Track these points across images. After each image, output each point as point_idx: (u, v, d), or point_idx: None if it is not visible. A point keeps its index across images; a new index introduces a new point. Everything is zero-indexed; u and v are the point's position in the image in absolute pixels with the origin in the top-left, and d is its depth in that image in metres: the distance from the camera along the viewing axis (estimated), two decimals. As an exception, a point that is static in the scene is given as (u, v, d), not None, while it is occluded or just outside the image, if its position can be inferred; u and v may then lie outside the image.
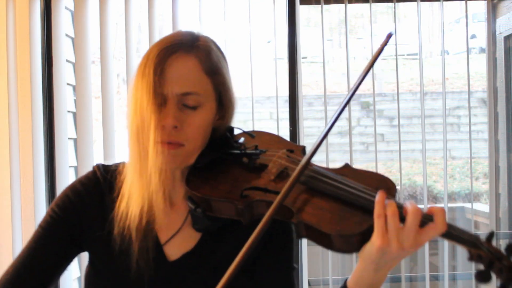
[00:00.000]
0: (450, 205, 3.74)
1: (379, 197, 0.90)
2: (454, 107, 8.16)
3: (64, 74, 2.52)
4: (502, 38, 2.89)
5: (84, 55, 2.51)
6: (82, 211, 1.12)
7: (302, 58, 2.60)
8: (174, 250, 1.11)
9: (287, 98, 2.56)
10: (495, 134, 2.81)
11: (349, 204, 0.96)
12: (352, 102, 2.66)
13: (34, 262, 1.11)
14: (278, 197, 0.94)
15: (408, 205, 0.90)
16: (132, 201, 1.07)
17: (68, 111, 2.57)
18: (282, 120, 2.66)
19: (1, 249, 2.41)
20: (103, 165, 1.18)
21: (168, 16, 2.57)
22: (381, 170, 6.77)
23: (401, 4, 2.69)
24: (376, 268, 0.93)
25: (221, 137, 1.12)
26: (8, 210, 2.41)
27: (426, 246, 2.66)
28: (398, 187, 2.35)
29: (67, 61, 2.58)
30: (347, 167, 1.07)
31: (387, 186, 0.99)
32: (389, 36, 1.04)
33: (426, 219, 0.89)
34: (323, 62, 2.70)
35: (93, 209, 1.12)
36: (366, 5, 2.63)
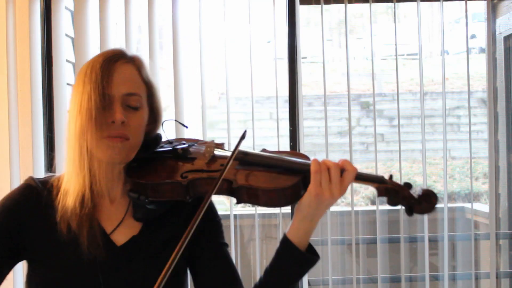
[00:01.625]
0: (450, 205, 3.74)
1: (314, 159, 1.16)
2: (454, 107, 8.15)
3: (64, 74, 2.52)
4: (502, 38, 2.89)
5: (84, 55, 2.51)
6: (22, 218, 1.20)
7: (302, 58, 2.60)
8: (121, 237, 1.23)
9: (287, 98, 2.56)
10: (495, 134, 2.81)
11: (277, 169, 1.20)
12: (352, 102, 2.66)
13: None
14: (223, 170, 1.14)
15: (326, 161, 1.16)
16: (69, 195, 1.18)
17: (68, 111, 2.57)
18: (282, 120, 2.66)
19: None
20: (37, 178, 1.28)
21: (168, 16, 2.57)
22: (381, 170, 6.77)
23: (401, 4, 2.70)
24: (311, 219, 1.18)
25: (153, 139, 1.29)
26: (8, 210, 2.41)
27: (426, 246, 2.66)
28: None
29: (67, 61, 2.58)
30: (265, 150, 1.29)
31: (301, 156, 1.26)
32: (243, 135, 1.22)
33: (342, 170, 1.16)
34: (323, 62, 2.70)
35: (33, 216, 1.21)
36: (366, 5, 2.63)
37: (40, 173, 2.48)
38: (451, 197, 6.98)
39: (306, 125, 2.65)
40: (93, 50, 2.57)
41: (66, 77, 2.55)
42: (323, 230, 2.70)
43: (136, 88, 1.21)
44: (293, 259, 1.20)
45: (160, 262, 1.14)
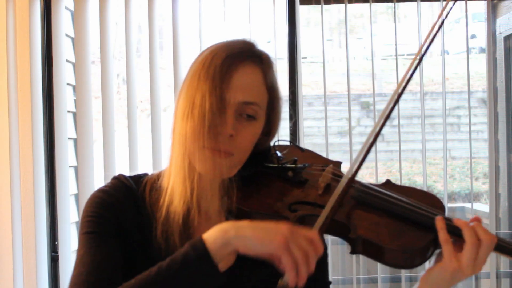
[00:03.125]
0: (450, 205, 3.74)
1: (438, 220, 0.94)
2: (454, 107, 8.15)
3: (64, 74, 2.52)
4: (502, 38, 2.89)
5: (84, 55, 2.51)
6: (120, 216, 1.05)
7: (302, 58, 2.60)
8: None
9: (287, 98, 2.56)
10: (495, 134, 2.80)
11: (403, 220, 0.98)
12: (352, 102, 2.66)
13: (105, 264, 1.00)
14: (328, 209, 0.94)
15: (476, 227, 0.93)
16: (176, 205, 1.03)
17: (68, 111, 2.57)
18: (282, 120, 2.65)
19: (1, 249, 2.41)
20: (128, 175, 1.12)
21: (168, 16, 2.57)
22: (381, 170, 6.78)
23: (401, 4, 2.69)
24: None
25: (262, 151, 1.11)
26: (8, 210, 2.41)
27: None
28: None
29: (67, 61, 2.58)
30: (389, 183, 1.09)
31: (434, 203, 1.03)
32: None
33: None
34: (323, 62, 2.70)
35: (129, 214, 1.05)
36: (366, 5, 2.63)
37: (40, 173, 2.47)
38: (451, 197, 6.98)
39: (306, 125, 2.65)
40: (93, 50, 2.57)
41: (66, 77, 2.55)
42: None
43: (257, 96, 1.03)
44: None
45: None
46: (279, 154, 1.15)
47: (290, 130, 2.55)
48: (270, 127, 1.12)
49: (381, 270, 2.69)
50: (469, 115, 2.75)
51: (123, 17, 2.56)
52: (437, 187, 7.06)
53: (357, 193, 1.02)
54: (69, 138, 2.57)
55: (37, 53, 2.49)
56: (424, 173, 2.68)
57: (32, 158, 2.45)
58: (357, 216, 0.99)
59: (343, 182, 0.98)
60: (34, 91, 2.47)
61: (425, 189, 2.68)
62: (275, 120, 1.13)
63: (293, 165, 1.11)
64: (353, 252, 0.99)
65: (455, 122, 8.06)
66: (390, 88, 8.94)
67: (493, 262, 2.64)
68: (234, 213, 1.04)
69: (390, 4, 2.69)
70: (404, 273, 2.64)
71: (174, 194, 1.03)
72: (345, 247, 3.30)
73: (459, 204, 5.59)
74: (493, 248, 0.94)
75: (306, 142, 2.61)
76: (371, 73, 2.76)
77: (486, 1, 2.65)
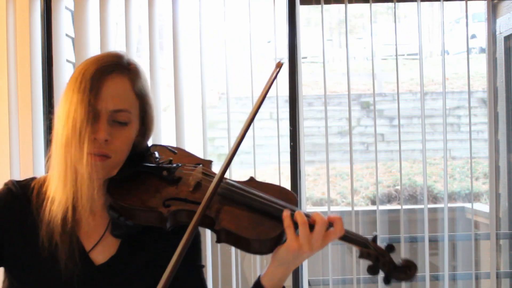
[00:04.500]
0: (450, 205, 3.74)
1: (285, 212, 1.10)
2: (454, 107, 8.15)
3: (64, 74, 2.52)
4: (502, 38, 2.89)
5: (84, 55, 2.51)
6: (3, 225, 1.16)
7: (302, 58, 2.60)
8: (99, 255, 1.19)
9: (287, 98, 2.56)
10: (495, 134, 2.81)
11: (261, 213, 1.14)
12: (352, 102, 2.66)
13: None
14: (201, 207, 1.08)
15: (315, 215, 1.11)
16: (55, 207, 1.13)
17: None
18: (282, 120, 2.66)
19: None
20: (17, 181, 1.22)
21: (168, 16, 2.57)
22: (381, 170, 6.77)
23: (401, 4, 2.69)
24: (287, 267, 1.15)
25: (139, 152, 1.23)
26: (8, 210, 2.41)
27: (426, 246, 2.66)
28: (398, 187, 2.35)
29: (67, 61, 2.58)
30: (252, 180, 1.23)
31: (289, 197, 1.20)
32: (279, 65, 1.19)
33: (329, 226, 1.11)
34: (323, 62, 2.70)
35: (13, 223, 1.17)
36: (366, 5, 2.63)
37: (40, 173, 2.47)
38: (451, 197, 6.97)
39: (306, 125, 2.65)
40: (93, 50, 2.57)
41: (66, 77, 2.55)
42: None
43: (126, 103, 1.15)
44: None
45: (137, 285, 1.19)
46: (156, 154, 1.26)
47: (290, 130, 2.55)
48: (145, 129, 1.23)
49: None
50: (469, 115, 2.75)
51: (123, 17, 2.56)
52: (437, 187, 7.05)
53: (221, 190, 1.15)
54: (69, 138, 2.57)
55: (37, 53, 2.49)
56: (424, 173, 2.68)
57: (32, 158, 2.45)
58: (221, 210, 1.14)
59: (214, 182, 1.10)
60: (34, 91, 2.47)
61: (425, 189, 2.68)
62: (149, 123, 1.24)
63: (168, 165, 1.22)
64: (218, 241, 1.13)
65: (455, 122, 8.05)
66: (390, 88, 8.94)
67: (493, 262, 2.64)
68: (115, 209, 1.16)
69: (390, 4, 2.69)
70: (404, 273, 2.64)
71: (55, 196, 1.14)
72: (345, 247, 3.31)
73: (459, 204, 5.58)
74: (322, 234, 1.11)
75: (306, 142, 2.61)
76: (371, 73, 2.76)
77: (486, 1, 2.65)
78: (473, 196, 2.91)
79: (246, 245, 1.12)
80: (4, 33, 2.42)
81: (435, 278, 2.92)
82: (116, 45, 2.80)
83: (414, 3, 2.63)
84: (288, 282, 2.60)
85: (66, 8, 2.58)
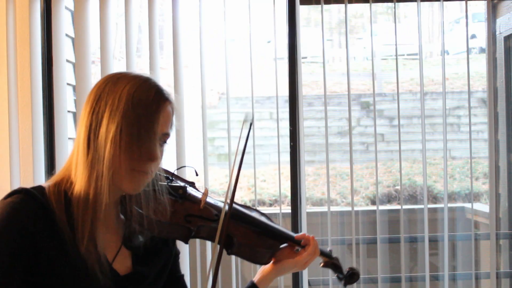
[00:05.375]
0: (450, 205, 3.74)
1: (313, 242, 1.46)
2: (454, 107, 8.15)
3: (64, 74, 2.52)
4: (502, 38, 2.89)
5: (84, 55, 2.51)
6: (36, 237, 1.08)
7: (302, 58, 2.60)
8: (121, 266, 1.23)
9: (287, 98, 2.56)
10: (495, 134, 2.81)
11: (262, 232, 1.41)
12: (352, 102, 2.66)
13: None
14: (224, 228, 1.23)
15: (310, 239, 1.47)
16: (84, 212, 1.13)
17: (68, 111, 2.57)
18: (282, 120, 2.66)
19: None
20: (32, 187, 1.14)
21: (168, 16, 2.57)
22: (381, 170, 6.77)
23: (401, 4, 2.69)
24: (280, 275, 1.44)
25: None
26: (8, 210, 2.41)
27: (426, 246, 2.66)
28: (398, 187, 2.35)
29: (67, 61, 2.58)
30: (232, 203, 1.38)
31: (268, 217, 1.51)
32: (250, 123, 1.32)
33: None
34: (323, 62, 2.70)
35: (42, 230, 1.09)
36: (366, 5, 2.63)
37: (40, 173, 2.47)
38: (451, 197, 6.97)
39: (306, 125, 2.65)
40: (93, 50, 2.57)
41: (66, 77, 2.55)
42: (324, 230, 2.70)
43: (171, 128, 1.23)
44: None
45: None
46: (164, 175, 1.35)
47: (290, 130, 2.55)
48: None
49: (381, 270, 2.69)
50: (469, 115, 2.76)
51: (123, 17, 2.56)
52: (437, 187, 7.05)
53: (232, 210, 1.32)
54: (69, 138, 2.57)
55: (37, 53, 2.49)
56: (424, 173, 2.68)
57: (32, 158, 2.45)
58: (238, 229, 1.36)
59: (227, 205, 1.26)
60: (34, 91, 2.47)
61: (425, 189, 2.68)
62: None
63: (178, 185, 1.33)
64: (230, 253, 1.35)
65: (455, 122, 8.05)
66: (390, 88, 8.93)
67: (493, 262, 2.64)
68: (136, 221, 1.22)
69: (390, 4, 2.69)
70: (404, 273, 2.65)
71: (82, 203, 1.14)
72: (345, 247, 3.30)
73: (459, 204, 5.58)
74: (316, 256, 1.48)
75: (306, 142, 2.61)
76: (371, 73, 2.76)
77: (486, 1, 2.65)
78: (473, 196, 2.91)
79: (255, 255, 1.38)
80: (4, 33, 2.42)
81: (435, 278, 2.92)
82: (116, 45, 2.80)
83: (414, 3, 2.64)
84: (288, 282, 2.60)
85: (66, 8, 2.58)
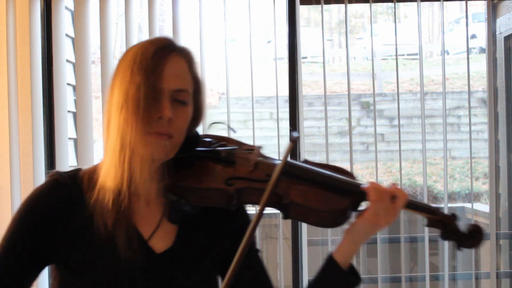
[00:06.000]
0: (450, 205, 3.74)
1: (370, 185, 1.13)
2: (454, 107, 8.16)
3: (64, 74, 2.52)
4: (502, 38, 2.89)
5: (84, 55, 2.51)
6: (54, 219, 1.12)
7: (302, 58, 2.60)
8: (158, 243, 1.15)
9: (287, 98, 2.56)
10: (495, 134, 2.81)
11: (326, 187, 1.16)
12: (352, 102, 2.66)
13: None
14: (271, 183, 1.07)
15: (396, 190, 1.13)
16: (108, 189, 1.10)
17: (68, 111, 2.57)
18: (282, 120, 2.66)
19: (1, 249, 2.41)
20: (62, 171, 1.18)
21: (168, 16, 2.58)
22: (381, 170, 6.78)
23: (401, 4, 2.70)
24: (360, 242, 1.17)
25: (191, 137, 1.21)
26: (8, 210, 2.41)
27: (426, 246, 2.66)
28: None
29: (67, 61, 2.58)
30: (307, 161, 1.24)
31: (345, 172, 1.22)
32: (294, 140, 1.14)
33: (392, 197, 1.13)
34: (323, 62, 2.70)
35: (65, 214, 1.12)
36: (366, 5, 2.63)
37: (40, 173, 2.47)
38: (451, 197, 6.98)
39: (306, 125, 2.65)
40: (93, 50, 2.57)
41: (66, 77, 2.55)
42: (324, 230, 2.70)
43: (186, 83, 1.14)
44: (338, 279, 1.19)
45: (200, 270, 1.17)
46: (209, 139, 1.26)
47: (290, 130, 2.55)
48: (197, 113, 1.22)
49: (381, 270, 2.69)
50: (469, 115, 2.76)
51: (123, 17, 2.56)
52: (437, 187, 7.06)
53: (286, 167, 1.13)
54: (69, 138, 2.57)
55: (37, 53, 2.49)
56: (424, 173, 2.68)
57: (32, 158, 2.45)
58: (288, 187, 1.15)
59: (283, 158, 1.10)
60: (34, 91, 2.47)
61: (425, 189, 2.68)
62: (201, 107, 1.24)
63: (224, 148, 1.22)
64: (285, 217, 1.15)
65: (455, 122, 8.06)
66: (390, 88, 8.94)
67: (493, 262, 2.64)
68: (174, 191, 1.14)
69: (390, 4, 2.70)
70: (404, 273, 2.65)
71: (107, 181, 1.11)
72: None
73: (459, 204, 5.59)
74: (404, 203, 1.14)
75: (306, 142, 2.61)
76: (371, 73, 2.76)
77: (486, 1, 2.65)
78: (473, 196, 2.91)
79: (315, 217, 1.14)
80: (4, 33, 2.41)
81: (435, 278, 2.92)
82: (116, 45, 2.80)
83: (414, 3, 2.64)
84: (288, 282, 2.60)
85: (66, 8, 2.58)
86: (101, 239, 1.10)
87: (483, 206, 4.38)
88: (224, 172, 1.17)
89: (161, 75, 1.08)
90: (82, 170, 1.18)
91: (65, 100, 2.53)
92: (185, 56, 1.15)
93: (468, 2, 2.62)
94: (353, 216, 1.17)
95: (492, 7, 2.77)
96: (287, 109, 2.55)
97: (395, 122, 6.52)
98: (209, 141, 1.25)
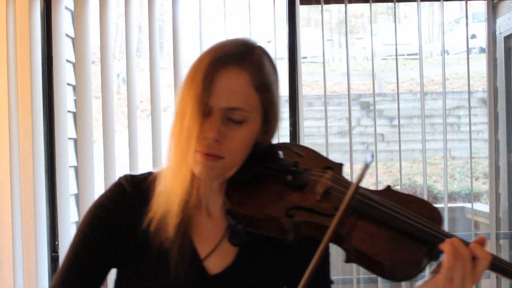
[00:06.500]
0: (450, 205, 3.74)
1: (450, 243, 0.94)
2: (454, 107, 8.16)
3: (64, 74, 2.52)
4: (502, 38, 2.89)
5: (84, 55, 2.51)
6: (114, 228, 1.09)
7: (302, 58, 2.60)
8: (214, 263, 1.08)
9: (287, 98, 2.56)
10: (495, 134, 2.80)
11: (399, 232, 0.98)
12: (352, 102, 2.67)
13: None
14: (334, 222, 0.95)
15: (475, 247, 0.95)
16: (164, 197, 1.05)
17: (68, 111, 2.57)
18: (282, 120, 2.65)
19: (1, 249, 2.41)
20: (132, 176, 1.13)
21: (168, 16, 2.58)
22: (381, 170, 6.78)
23: (401, 4, 2.70)
24: None
25: (263, 152, 1.11)
26: (8, 210, 2.41)
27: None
28: (398, 187, 2.35)
29: (67, 61, 2.58)
30: (389, 190, 1.08)
31: (432, 215, 1.02)
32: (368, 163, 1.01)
33: (473, 258, 0.95)
34: (323, 62, 2.70)
35: (125, 221, 1.09)
36: (366, 5, 2.63)
37: (40, 173, 2.47)
38: (451, 197, 6.98)
39: (306, 125, 2.65)
40: (93, 50, 2.57)
41: (66, 77, 2.55)
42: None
43: (241, 101, 1.01)
44: None
45: None
46: (280, 155, 1.13)
47: (290, 130, 2.55)
48: (268, 126, 1.10)
49: (381, 270, 2.69)
50: (469, 115, 2.76)
51: (123, 17, 2.56)
52: (437, 187, 7.06)
53: (356, 202, 1.01)
54: (69, 138, 2.57)
55: (37, 53, 2.49)
56: (424, 173, 2.68)
57: (32, 158, 2.45)
58: (354, 226, 0.99)
59: (349, 193, 0.97)
60: (34, 91, 2.47)
61: (425, 189, 2.68)
62: (273, 119, 1.11)
63: (294, 168, 1.09)
64: (347, 261, 0.99)
65: (455, 122, 8.06)
66: (390, 88, 8.94)
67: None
68: (233, 215, 1.05)
69: (390, 4, 2.70)
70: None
71: (164, 186, 1.05)
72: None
73: (459, 204, 5.59)
74: (487, 267, 0.96)
75: (306, 142, 2.61)
76: (371, 73, 2.76)
77: (486, 1, 2.65)
78: (473, 196, 2.91)
79: (378, 269, 0.98)
80: (4, 33, 2.41)
81: (435, 278, 2.91)
82: (116, 45, 2.80)
83: (414, 3, 2.64)
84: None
85: (66, 8, 2.58)
86: (154, 251, 1.06)
87: (483, 206, 4.38)
88: (288, 199, 1.05)
89: (210, 91, 0.99)
90: (152, 175, 1.12)
91: (65, 100, 2.53)
92: (247, 67, 1.03)
93: (468, 2, 2.62)
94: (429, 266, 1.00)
95: (492, 7, 2.77)
96: (287, 109, 2.55)
97: (395, 122, 6.53)
98: (279, 158, 1.13)
